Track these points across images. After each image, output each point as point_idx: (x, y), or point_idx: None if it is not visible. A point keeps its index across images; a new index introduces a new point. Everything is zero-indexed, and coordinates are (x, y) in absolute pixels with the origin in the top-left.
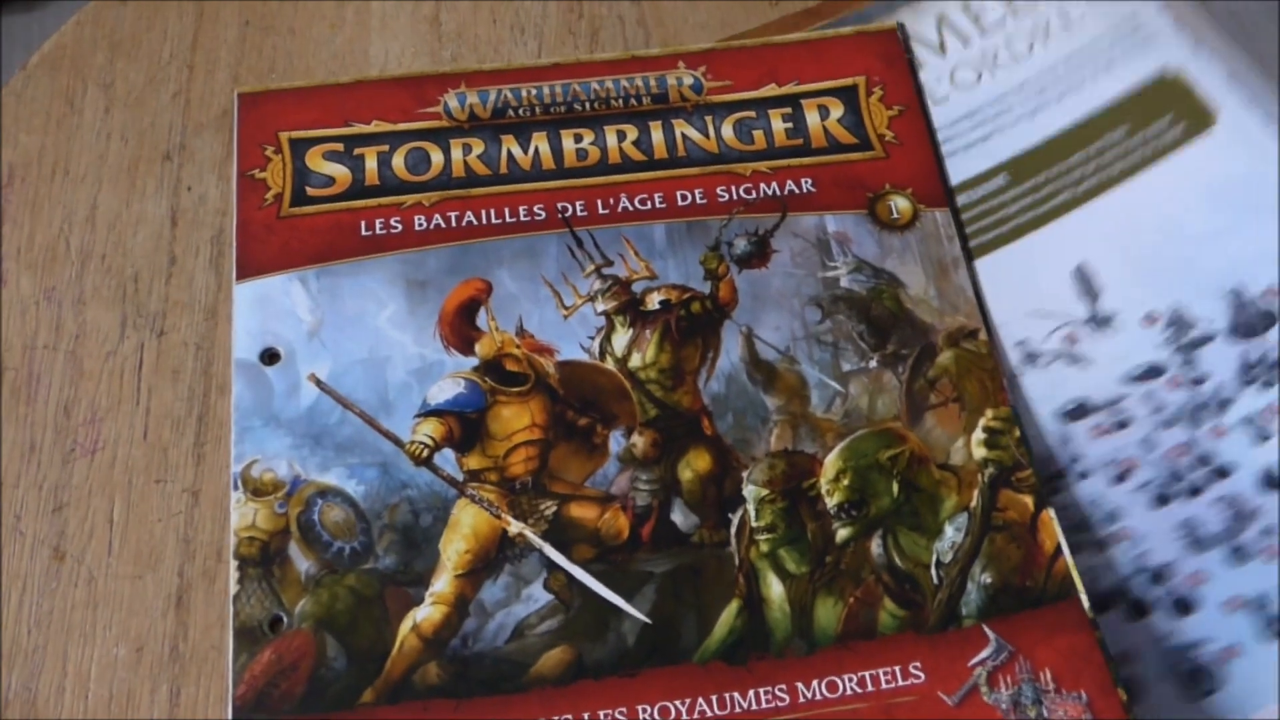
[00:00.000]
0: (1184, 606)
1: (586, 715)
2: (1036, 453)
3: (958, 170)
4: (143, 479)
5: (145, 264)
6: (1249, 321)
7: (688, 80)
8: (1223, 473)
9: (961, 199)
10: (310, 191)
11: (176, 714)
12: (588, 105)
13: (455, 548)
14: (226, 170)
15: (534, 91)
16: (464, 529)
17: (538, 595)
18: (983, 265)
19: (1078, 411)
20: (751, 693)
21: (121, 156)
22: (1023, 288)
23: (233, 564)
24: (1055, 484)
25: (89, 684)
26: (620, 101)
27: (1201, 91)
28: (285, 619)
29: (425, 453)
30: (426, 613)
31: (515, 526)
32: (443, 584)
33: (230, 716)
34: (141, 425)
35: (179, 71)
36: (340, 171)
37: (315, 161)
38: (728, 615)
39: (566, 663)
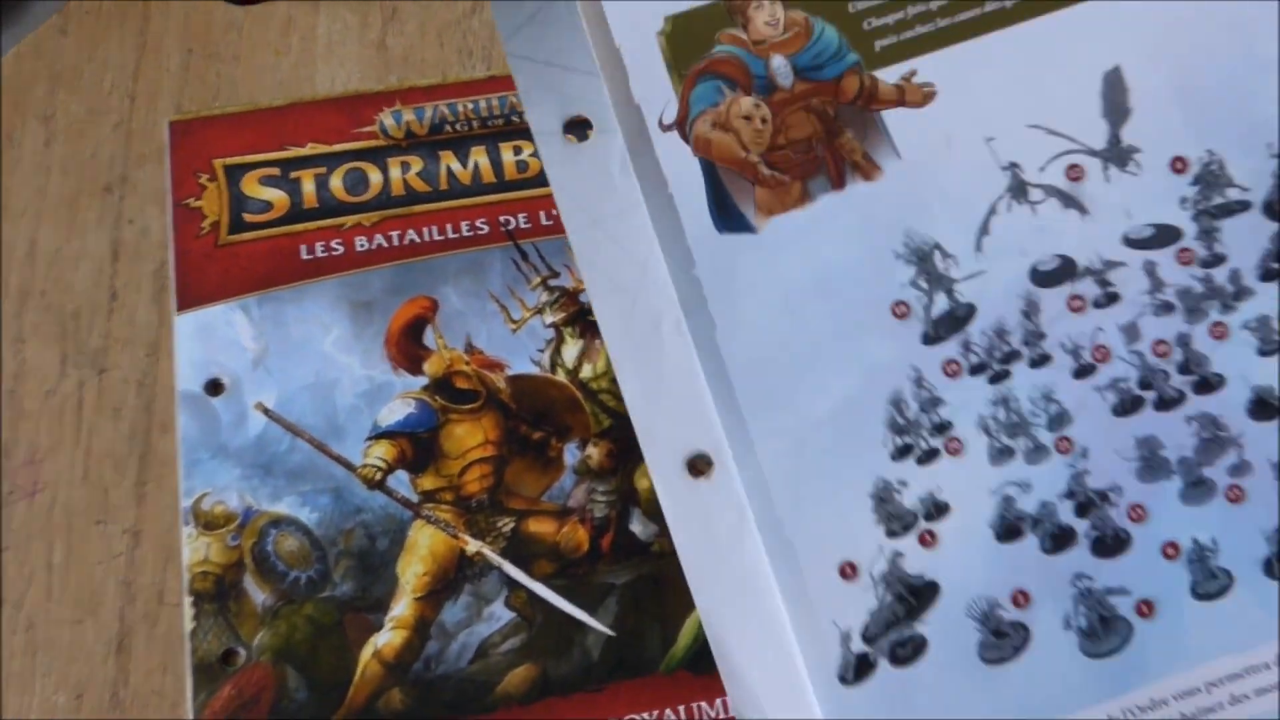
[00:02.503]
0: (1112, 545)
1: None
2: (991, 323)
3: None
4: (83, 521)
5: (86, 300)
6: None
7: None
8: (1208, 385)
9: None
10: (248, 218)
11: None
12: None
13: (413, 570)
14: (168, 202)
15: (470, 106)
16: (421, 551)
17: (499, 613)
18: (993, 42)
19: (1058, 274)
20: (719, 701)
21: (62, 190)
22: (1034, 85)
23: (187, 600)
24: (1004, 368)
25: None
26: None
27: None
28: (241, 652)
29: (378, 476)
30: (387, 638)
31: (473, 545)
32: (402, 608)
33: None
34: (82, 466)
35: (120, 102)
36: (277, 196)
37: (251, 187)
38: (691, 623)
39: (531, 680)
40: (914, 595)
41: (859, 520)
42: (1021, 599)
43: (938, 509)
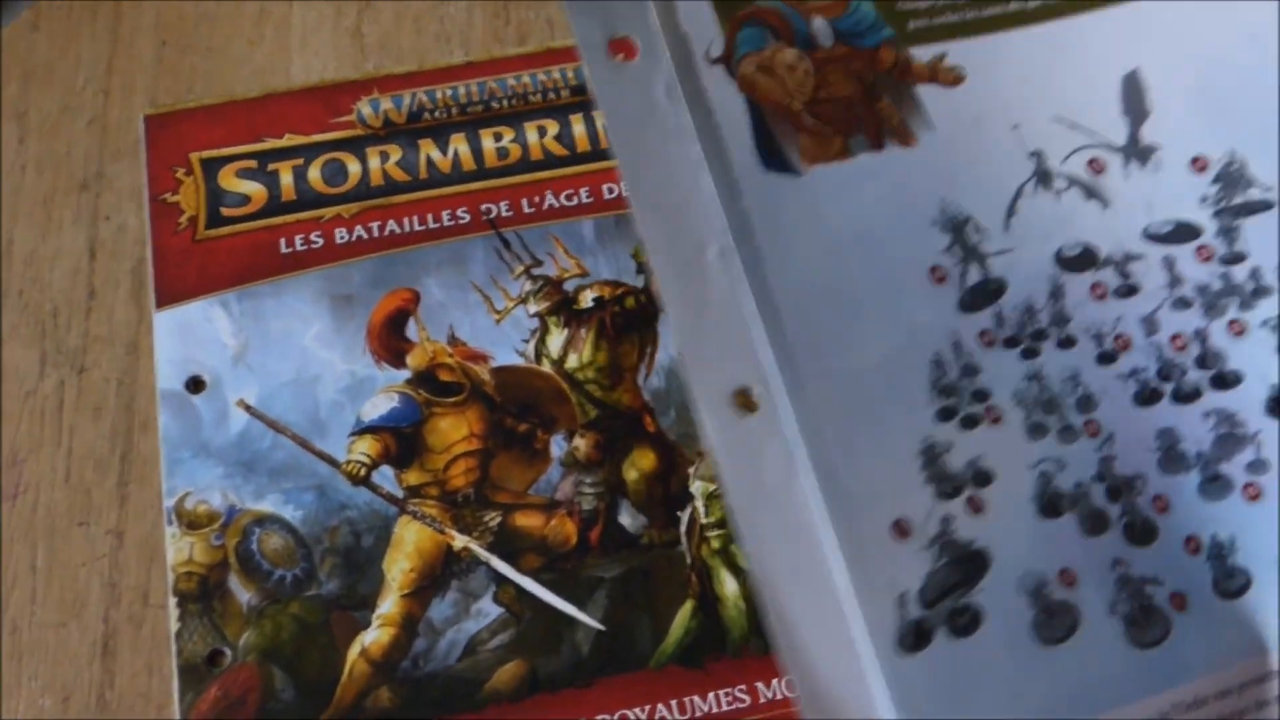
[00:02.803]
0: (1141, 533)
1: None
2: (1021, 300)
3: None
4: (65, 522)
5: (64, 299)
6: None
7: None
8: (1225, 381)
9: None
10: (225, 212)
11: None
12: (506, 102)
13: (400, 567)
14: (145, 198)
15: (449, 92)
16: (407, 547)
17: (488, 609)
18: (1018, 38)
19: (1081, 260)
20: (711, 695)
21: (37, 188)
22: (1057, 82)
23: (172, 600)
24: (1034, 345)
25: None
26: (539, 96)
27: None
28: (227, 652)
29: (363, 472)
30: (374, 636)
31: (460, 541)
32: (389, 605)
33: None
34: (63, 467)
35: (94, 97)
36: (255, 189)
37: (229, 180)
38: (682, 616)
39: (520, 677)
40: (967, 561)
41: (909, 476)
42: (1068, 578)
43: (983, 476)
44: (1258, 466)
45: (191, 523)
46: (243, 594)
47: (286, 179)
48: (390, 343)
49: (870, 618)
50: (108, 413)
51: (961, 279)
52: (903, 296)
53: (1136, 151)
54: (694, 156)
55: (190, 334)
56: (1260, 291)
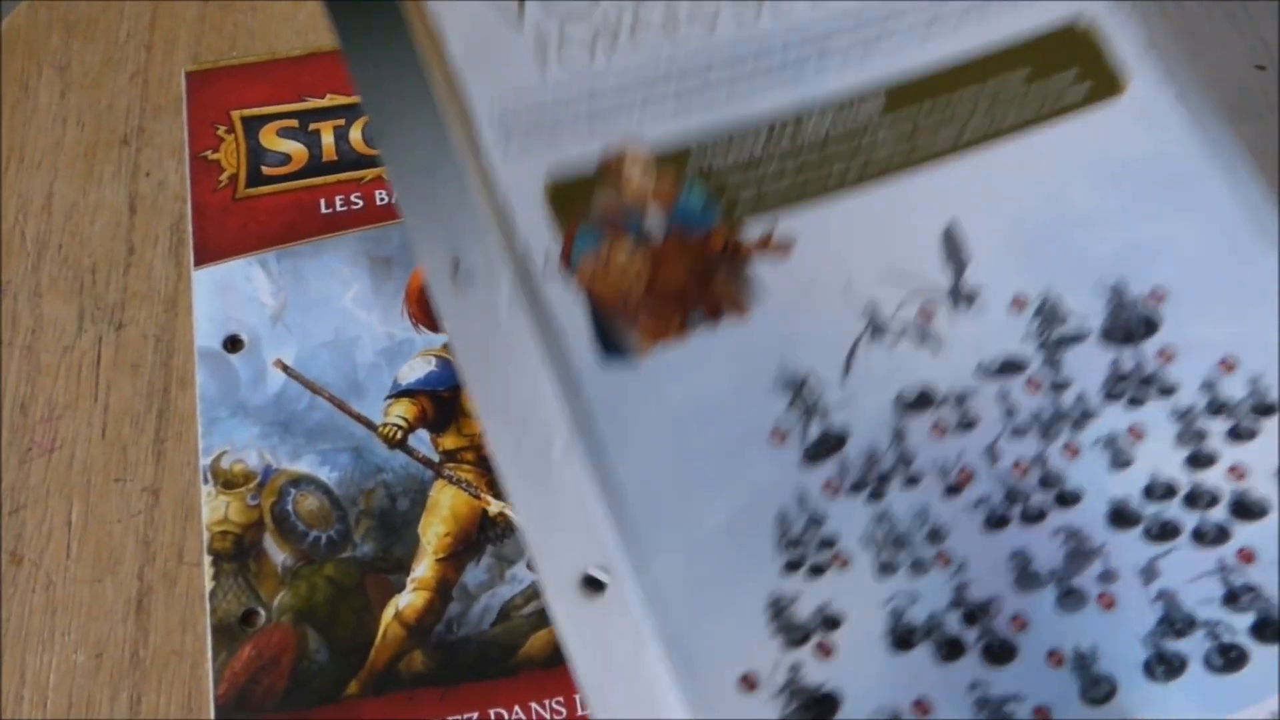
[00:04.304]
0: (999, 653)
1: (577, 698)
2: (864, 447)
3: (826, 82)
4: (101, 478)
5: (103, 254)
6: (1127, 325)
7: None
8: (1067, 499)
9: (826, 121)
10: (266, 170)
11: None
12: None
13: (435, 531)
14: (185, 154)
15: None
16: (443, 511)
17: (522, 575)
18: (842, 206)
19: (919, 402)
20: None
21: (78, 142)
22: (881, 241)
23: (206, 559)
24: (880, 488)
25: (48, 692)
26: None
27: (1114, 53)
28: (261, 612)
29: (399, 435)
30: (409, 599)
31: (495, 506)
32: (424, 569)
33: (213, 717)
34: (100, 422)
35: (136, 51)
36: (296, 148)
37: (270, 139)
38: None
39: (554, 643)
40: (816, 706)
41: (756, 631)
42: (923, 708)
43: (831, 621)
44: (1108, 576)
45: (227, 482)
46: (278, 554)
47: (328, 139)
48: (429, 306)
49: None
50: (145, 369)
51: (803, 435)
52: (745, 461)
53: (961, 297)
54: (535, 363)
55: (229, 292)
56: (1087, 415)
